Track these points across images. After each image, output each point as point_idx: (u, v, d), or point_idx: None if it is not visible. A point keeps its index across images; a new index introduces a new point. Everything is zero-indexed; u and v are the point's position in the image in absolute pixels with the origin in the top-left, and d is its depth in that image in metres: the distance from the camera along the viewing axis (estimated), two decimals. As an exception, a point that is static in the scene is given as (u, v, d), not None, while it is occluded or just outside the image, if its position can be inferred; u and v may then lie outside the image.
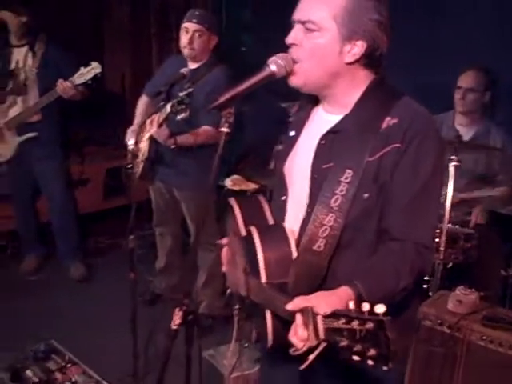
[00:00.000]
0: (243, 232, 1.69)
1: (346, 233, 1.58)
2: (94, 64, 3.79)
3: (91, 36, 5.94)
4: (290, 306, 1.38)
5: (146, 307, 3.92)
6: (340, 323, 1.17)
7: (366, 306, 1.16)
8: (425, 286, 3.04)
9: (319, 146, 1.67)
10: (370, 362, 1.15)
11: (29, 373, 3.15)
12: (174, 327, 1.69)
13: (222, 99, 1.59)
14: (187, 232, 4.00)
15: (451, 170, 2.97)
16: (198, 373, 1.93)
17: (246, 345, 3.54)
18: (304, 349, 1.30)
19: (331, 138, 1.66)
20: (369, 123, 1.60)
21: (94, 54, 5.77)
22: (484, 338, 2.49)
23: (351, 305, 1.19)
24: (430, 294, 2.96)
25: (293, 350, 1.34)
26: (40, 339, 3.45)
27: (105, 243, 5.19)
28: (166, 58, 5.97)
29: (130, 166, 3.05)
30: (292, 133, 1.78)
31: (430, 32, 4.03)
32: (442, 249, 2.93)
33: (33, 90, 4.07)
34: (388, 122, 1.58)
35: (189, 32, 3.45)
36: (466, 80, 3.50)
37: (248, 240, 1.61)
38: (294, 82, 1.63)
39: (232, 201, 1.78)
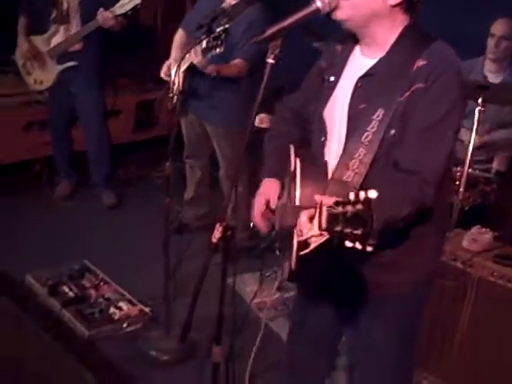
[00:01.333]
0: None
1: (374, 166, 1.71)
2: None
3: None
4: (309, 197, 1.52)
5: (174, 235, 4.07)
6: (338, 209, 1.31)
7: (361, 194, 1.28)
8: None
9: (356, 88, 1.79)
10: (357, 245, 1.29)
11: (65, 288, 3.36)
12: (214, 240, 1.87)
13: (269, 32, 1.70)
14: (216, 165, 4.13)
15: (476, 113, 3.05)
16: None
17: (268, 274, 3.77)
18: (306, 237, 1.45)
19: (367, 80, 1.78)
20: (401, 66, 1.71)
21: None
22: (494, 274, 2.64)
23: (351, 195, 1.31)
24: (447, 233, 3.10)
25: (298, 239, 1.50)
26: (74, 259, 3.65)
27: (134, 174, 5.34)
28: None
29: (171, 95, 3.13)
30: (332, 78, 1.88)
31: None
32: (461, 190, 3.06)
33: (75, 19, 4.14)
34: (418, 63, 1.69)
35: None
36: (499, 28, 3.58)
37: (293, 174, 1.74)
38: (340, 15, 1.71)
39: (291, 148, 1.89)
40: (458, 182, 3.10)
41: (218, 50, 3.15)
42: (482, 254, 2.74)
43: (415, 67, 1.70)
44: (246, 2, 3.61)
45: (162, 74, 3.72)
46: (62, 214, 4.45)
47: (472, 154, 3.08)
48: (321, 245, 1.46)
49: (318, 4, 1.69)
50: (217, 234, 1.86)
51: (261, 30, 3.53)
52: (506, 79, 3.61)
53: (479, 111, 3.05)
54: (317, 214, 1.41)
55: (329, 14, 1.72)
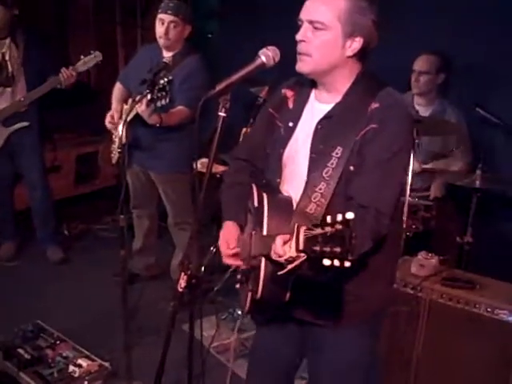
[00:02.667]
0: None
1: (334, 199, 1.84)
2: (96, 53, 3.98)
3: (55, 24, 6.01)
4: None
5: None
6: (316, 231, 1.40)
7: (339, 216, 1.37)
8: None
9: (316, 130, 1.93)
10: (336, 263, 1.36)
11: (20, 351, 3.25)
12: (180, 290, 1.91)
13: (219, 87, 1.82)
14: (161, 214, 4.19)
15: (413, 146, 3.22)
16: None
17: (223, 317, 3.81)
18: (284, 258, 1.53)
19: (326, 122, 1.92)
20: (357, 108, 1.87)
21: (59, 42, 5.89)
22: (444, 296, 2.78)
23: (328, 218, 1.40)
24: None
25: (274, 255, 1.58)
26: (27, 320, 3.56)
27: (78, 228, 5.31)
28: (131, 46, 6.13)
29: (120, 149, 3.18)
30: (290, 123, 2.01)
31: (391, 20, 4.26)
32: (404, 219, 3.21)
33: (20, 81, 4.16)
34: (372, 106, 1.85)
35: (164, 23, 3.60)
36: (419, 63, 3.81)
37: (259, 208, 1.84)
38: (303, 69, 1.88)
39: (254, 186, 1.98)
40: (400, 212, 3.24)
41: (163, 101, 3.24)
42: (430, 278, 2.87)
43: (369, 109, 1.85)
44: (183, 53, 3.72)
45: (107, 123, 3.80)
46: (8, 276, 4.37)
47: (411, 183, 3.23)
48: (296, 267, 1.53)
49: (263, 59, 1.85)
50: (182, 283, 1.90)
51: (199, 79, 3.68)
52: (434, 111, 3.82)
53: (415, 143, 3.21)
54: (294, 237, 1.49)
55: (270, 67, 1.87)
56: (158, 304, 3.79)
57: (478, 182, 3.39)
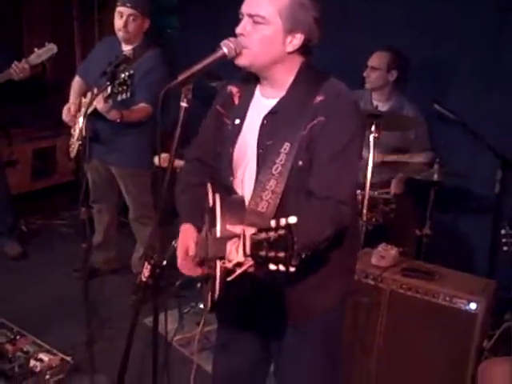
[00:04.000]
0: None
1: (285, 195, 1.84)
2: (50, 45, 3.87)
3: (11, 19, 5.87)
4: (230, 228, 1.60)
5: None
6: (261, 236, 1.41)
7: (282, 221, 1.39)
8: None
9: (262, 126, 1.93)
10: (281, 267, 1.38)
11: (-21, 347, 3.20)
12: (144, 279, 1.90)
13: (181, 78, 1.80)
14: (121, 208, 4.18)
15: (371, 140, 3.26)
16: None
17: (185, 311, 3.80)
18: (232, 264, 1.53)
19: (271, 117, 1.92)
20: (301, 102, 1.87)
21: (14, 37, 5.78)
22: (403, 286, 2.83)
23: (272, 222, 1.41)
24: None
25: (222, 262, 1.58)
26: None
27: (36, 223, 5.25)
28: (88, 40, 6.06)
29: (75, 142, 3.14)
30: (237, 121, 2.00)
31: (344, 17, 4.32)
32: (364, 212, 3.25)
33: None
34: (317, 99, 1.85)
35: (123, 16, 3.58)
36: (371, 59, 3.86)
37: (213, 208, 1.82)
38: (242, 62, 1.87)
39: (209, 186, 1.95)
40: (360, 205, 3.29)
41: (124, 95, 3.19)
42: (391, 269, 2.92)
43: (314, 102, 1.85)
44: (142, 47, 3.70)
45: (64, 116, 3.77)
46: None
47: (371, 178, 3.28)
48: (245, 271, 1.54)
49: (224, 50, 1.83)
50: (146, 272, 1.89)
51: (160, 73, 3.65)
52: (392, 106, 3.87)
53: (373, 138, 3.26)
54: (241, 242, 1.49)
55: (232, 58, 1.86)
56: (119, 298, 3.77)
57: (435, 176, 3.47)
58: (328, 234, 1.76)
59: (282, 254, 1.37)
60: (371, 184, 3.31)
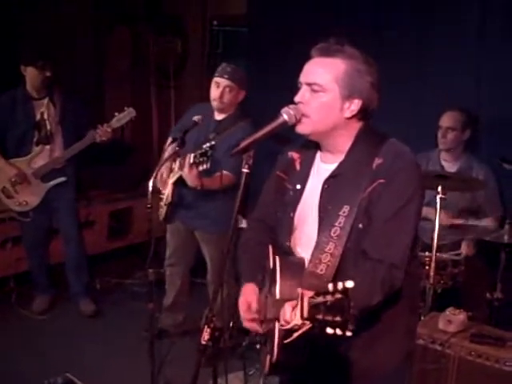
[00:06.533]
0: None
1: (344, 257, 1.85)
2: (129, 109, 4.13)
3: (93, 84, 6.25)
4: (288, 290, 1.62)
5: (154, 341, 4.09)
6: (318, 299, 1.43)
7: (339, 284, 1.40)
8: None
9: (323, 190, 1.97)
10: (338, 331, 1.38)
11: (49, 403, 3.30)
12: (203, 342, 1.94)
13: (243, 144, 1.90)
14: (194, 271, 4.22)
15: (438, 201, 3.24)
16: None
17: (251, 373, 3.78)
18: (289, 326, 1.54)
19: (332, 182, 1.96)
20: (361, 165, 1.90)
21: (95, 101, 6.11)
22: (472, 353, 2.75)
23: (330, 286, 1.42)
24: (422, 317, 3.19)
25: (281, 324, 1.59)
26: (56, 373, 3.54)
27: (109, 283, 5.34)
28: (164, 105, 6.33)
29: (149, 205, 3.19)
30: (298, 186, 2.05)
31: (417, 77, 4.34)
32: (431, 274, 3.19)
33: (58, 138, 4.33)
34: (376, 162, 1.88)
35: (220, 86, 3.64)
36: (445, 120, 3.84)
37: (273, 270, 1.86)
38: (303, 130, 1.93)
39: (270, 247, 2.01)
40: (427, 267, 3.23)
41: (204, 165, 3.22)
42: (459, 334, 2.85)
43: (374, 165, 1.88)
44: (234, 117, 3.75)
45: (157, 183, 3.77)
46: (40, 328, 4.41)
47: (438, 239, 3.22)
48: (303, 333, 1.55)
49: (285, 117, 1.89)
50: (205, 335, 1.93)
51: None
52: (461, 167, 3.84)
53: (440, 199, 3.23)
54: (299, 305, 1.51)
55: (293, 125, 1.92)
56: (186, 360, 3.78)
57: (506, 237, 3.38)
58: (379, 299, 1.76)
59: (338, 318, 1.38)
60: (441, 246, 3.27)
